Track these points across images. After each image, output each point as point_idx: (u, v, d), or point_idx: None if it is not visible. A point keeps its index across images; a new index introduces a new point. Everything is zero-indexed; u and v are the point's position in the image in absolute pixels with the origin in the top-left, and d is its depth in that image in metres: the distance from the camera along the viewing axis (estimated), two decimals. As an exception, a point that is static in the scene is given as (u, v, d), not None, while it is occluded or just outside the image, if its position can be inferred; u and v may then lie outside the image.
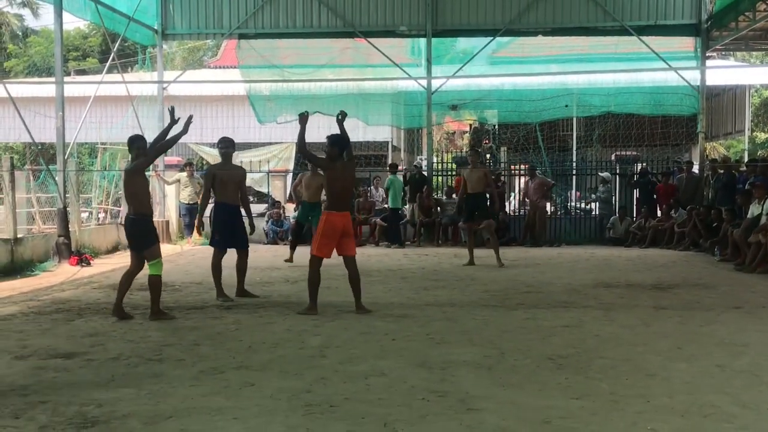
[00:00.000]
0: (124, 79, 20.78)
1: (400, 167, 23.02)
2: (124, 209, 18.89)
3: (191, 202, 19.04)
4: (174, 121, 9.12)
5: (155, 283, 8.87)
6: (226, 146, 10.64)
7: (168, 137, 9.30)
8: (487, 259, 14.67)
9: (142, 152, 8.91)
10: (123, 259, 15.46)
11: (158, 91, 20.70)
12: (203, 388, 5.88)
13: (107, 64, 20.29)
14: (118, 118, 21.57)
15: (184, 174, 19.24)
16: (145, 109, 20.75)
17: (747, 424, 5.01)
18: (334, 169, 9.10)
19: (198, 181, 19.64)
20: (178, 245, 18.76)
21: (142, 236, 8.87)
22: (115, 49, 19.60)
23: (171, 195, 20.03)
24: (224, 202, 10.46)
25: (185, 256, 16.48)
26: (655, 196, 19.98)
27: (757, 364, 6.64)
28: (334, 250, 9.23)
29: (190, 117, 9.39)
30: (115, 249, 16.88)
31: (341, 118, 9.33)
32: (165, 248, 17.92)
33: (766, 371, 6.39)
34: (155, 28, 20.57)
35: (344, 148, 9.20)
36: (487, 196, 14.94)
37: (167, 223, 19.88)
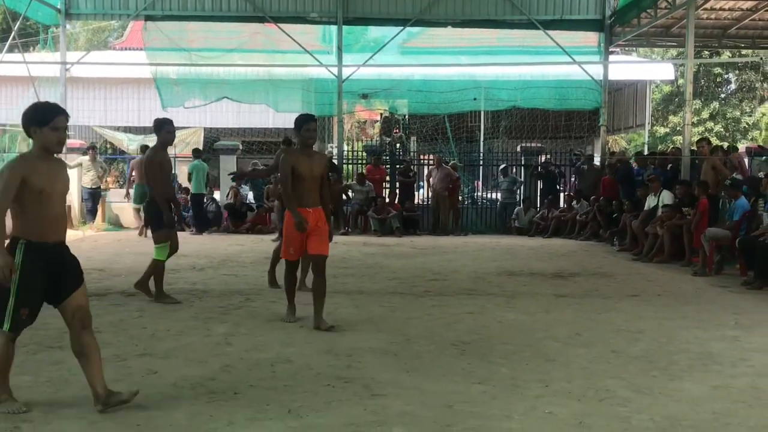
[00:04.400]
0: (26, 59, 20.09)
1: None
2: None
3: (93, 187, 18.60)
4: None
5: (155, 266, 8.99)
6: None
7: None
8: (396, 247, 14.81)
9: (171, 136, 9.07)
10: (22, 245, 15.00)
11: (61, 72, 20.08)
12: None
13: (7, 43, 19.59)
14: (19, 99, 20.86)
15: (87, 158, 18.76)
16: (47, 91, 20.11)
17: (641, 407, 5.21)
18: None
19: (101, 165, 19.19)
20: (80, 231, 18.29)
21: (152, 219, 9.05)
22: (16, 28, 18.94)
23: (73, 179, 19.48)
24: None
25: (87, 241, 16.09)
26: (557, 186, 20.49)
27: (651, 350, 6.90)
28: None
29: None
30: (13, 234, 16.32)
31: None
32: (67, 234, 17.54)
33: (659, 357, 6.65)
34: (58, 7, 19.91)
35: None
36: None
37: (69, 208, 19.32)
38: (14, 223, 4.94)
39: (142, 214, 17.26)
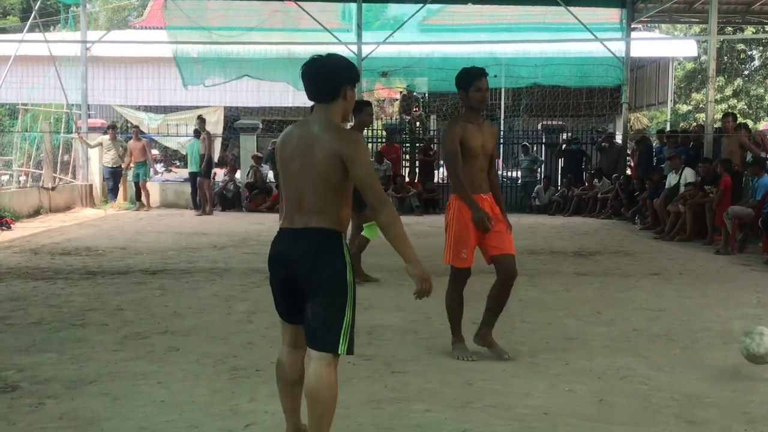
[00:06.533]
0: (46, 38, 20.16)
1: None
2: (46, 172, 18.49)
3: (114, 166, 18.71)
4: None
5: (363, 243, 9.05)
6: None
7: None
8: (416, 226, 14.79)
9: (362, 117, 8.87)
10: (44, 223, 15.14)
11: (81, 51, 20.14)
12: (127, 353, 5.83)
13: (28, 22, 19.66)
14: (40, 79, 20.95)
15: (107, 137, 18.84)
16: (68, 70, 20.20)
17: (661, 385, 5.19)
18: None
19: (121, 144, 19.28)
20: (101, 210, 18.42)
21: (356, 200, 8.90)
22: (36, 8, 19.00)
23: (95, 158, 19.61)
24: None
25: (109, 220, 16.19)
26: (582, 164, 20.41)
27: (672, 329, 6.87)
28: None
29: None
30: (36, 213, 16.47)
31: None
32: (88, 213, 17.72)
33: (681, 335, 6.62)
34: (78, -14, 19.98)
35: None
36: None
37: (90, 187, 19.48)
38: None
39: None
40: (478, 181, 5.81)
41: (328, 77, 3.76)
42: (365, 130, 10.80)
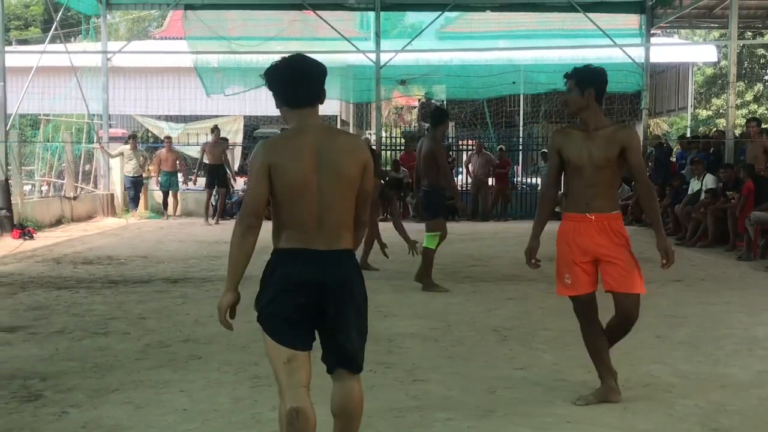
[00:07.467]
0: (68, 49, 20.32)
1: None
2: (68, 182, 18.61)
3: (135, 175, 18.80)
4: None
5: (426, 254, 9.05)
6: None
7: None
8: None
9: (444, 127, 9.08)
10: (66, 233, 15.24)
11: (102, 61, 20.29)
12: (149, 362, 5.85)
13: (50, 33, 19.81)
14: (61, 89, 21.11)
15: (128, 147, 18.95)
16: (89, 80, 20.34)
17: (685, 393, 5.15)
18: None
19: (141, 153, 19.39)
20: (123, 219, 18.52)
21: (428, 208, 9.06)
22: (57, 19, 19.16)
23: (116, 168, 19.72)
24: None
25: (131, 229, 16.27)
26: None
27: (695, 336, 6.82)
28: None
29: None
30: (58, 222, 16.58)
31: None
32: (110, 222, 17.82)
33: (704, 342, 6.57)
34: (99, -3, 20.13)
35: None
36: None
37: (112, 196, 19.60)
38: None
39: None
40: (585, 197, 4.87)
41: (320, 79, 3.52)
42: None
